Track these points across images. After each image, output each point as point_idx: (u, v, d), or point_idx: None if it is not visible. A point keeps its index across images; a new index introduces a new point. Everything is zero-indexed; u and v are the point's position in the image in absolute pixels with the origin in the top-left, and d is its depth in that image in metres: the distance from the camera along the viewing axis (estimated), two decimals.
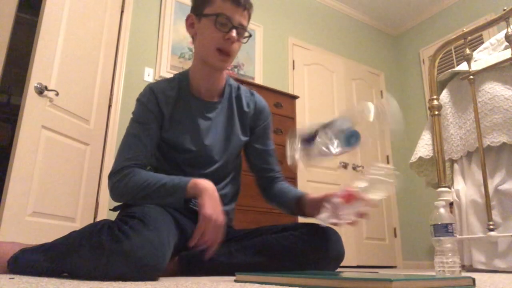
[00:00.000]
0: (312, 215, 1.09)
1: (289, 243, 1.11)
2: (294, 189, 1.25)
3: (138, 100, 1.19)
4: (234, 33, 1.10)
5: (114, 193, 1.10)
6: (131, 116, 1.19)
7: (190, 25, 1.19)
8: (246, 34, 1.16)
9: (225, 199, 1.21)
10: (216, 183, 1.12)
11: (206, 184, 1.04)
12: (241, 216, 2.39)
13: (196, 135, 1.19)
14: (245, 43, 1.19)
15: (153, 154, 1.17)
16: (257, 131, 1.28)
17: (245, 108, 1.27)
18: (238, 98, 1.27)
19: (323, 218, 0.88)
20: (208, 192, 1.02)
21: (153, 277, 0.85)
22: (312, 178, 3.51)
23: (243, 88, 1.30)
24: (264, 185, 1.31)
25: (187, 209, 1.11)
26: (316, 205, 1.04)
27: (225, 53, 1.12)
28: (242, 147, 1.29)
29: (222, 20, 1.10)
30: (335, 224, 0.92)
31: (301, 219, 1.19)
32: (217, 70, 1.19)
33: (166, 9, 3.13)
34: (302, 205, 1.15)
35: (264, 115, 1.30)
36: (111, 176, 1.11)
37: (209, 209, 1.00)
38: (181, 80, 1.22)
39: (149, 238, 0.85)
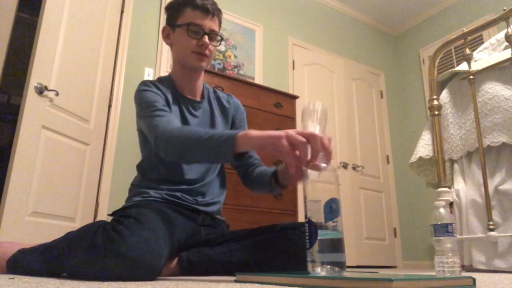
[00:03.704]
0: (288, 182, 1.08)
1: (289, 241, 1.12)
2: (269, 168, 1.23)
3: (140, 91, 1.20)
4: (206, 39, 1.20)
5: (169, 151, 1.03)
6: (138, 107, 1.17)
7: (166, 36, 1.30)
8: (218, 38, 1.27)
9: (216, 186, 1.30)
10: (203, 173, 1.24)
11: (257, 132, 0.91)
12: (240, 216, 2.39)
13: None
14: (217, 46, 1.29)
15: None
16: (237, 122, 1.40)
17: (226, 104, 1.38)
18: (218, 98, 1.39)
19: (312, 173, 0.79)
20: (262, 133, 0.89)
21: (150, 277, 0.84)
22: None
23: (219, 91, 1.42)
24: (244, 171, 1.30)
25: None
26: (287, 171, 0.98)
27: (202, 54, 1.22)
28: None
29: (194, 28, 1.20)
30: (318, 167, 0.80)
31: (300, 216, 1.20)
32: (196, 71, 1.29)
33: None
34: (277, 177, 1.13)
35: (241, 109, 1.43)
36: (157, 140, 1.05)
37: (273, 136, 0.85)
38: (167, 81, 1.30)
39: (144, 238, 0.85)
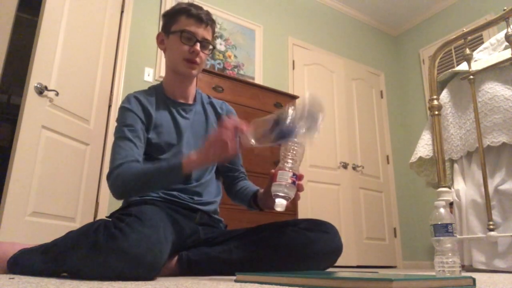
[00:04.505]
0: (264, 207, 1.19)
1: (289, 237, 1.12)
2: (252, 186, 1.31)
3: (122, 107, 1.25)
4: (198, 46, 1.24)
5: (115, 191, 1.12)
6: (116, 124, 1.23)
7: (160, 41, 1.33)
8: (210, 47, 1.30)
9: (213, 187, 1.31)
10: (199, 173, 1.25)
11: (196, 153, 1.05)
12: (240, 216, 2.39)
13: (178, 132, 1.27)
14: (209, 54, 1.33)
15: (141, 154, 1.20)
16: None
17: (219, 111, 1.41)
18: (211, 104, 1.41)
19: (278, 205, 0.96)
20: (201, 153, 1.03)
21: (151, 274, 0.85)
22: (312, 178, 3.51)
23: (213, 98, 1.45)
24: (228, 183, 1.38)
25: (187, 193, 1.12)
26: (264, 197, 1.14)
27: (192, 62, 1.25)
28: None
29: (187, 35, 1.24)
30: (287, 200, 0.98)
31: (300, 216, 1.22)
32: (187, 78, 1.31)
33: (166, 9, 3.13)
34: (256, 199, 1.22)
35: (233, 117, 1.40)
36: (108, 176, 1.13)
37: (208, 159, 1.03)
38: (156, 89, 1.33)
39: (146, 235, 0.86)
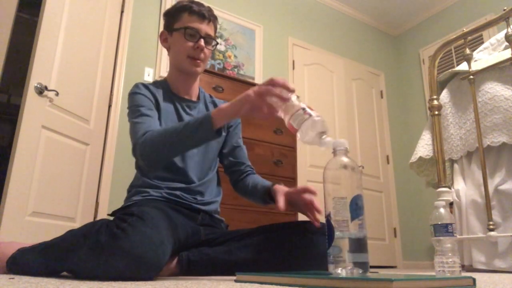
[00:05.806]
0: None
1: (289, 239, 1.12)
2: (263, 181, 1.28)
3: (132, 93, 1.25)
4: (202, 42, 1.25)
5: (145, 156, 1.08)
6: (128, 110, 1.23)
7: (164, 40, 1.34)
8: (214, 42, 1.31)
9: (214, 185, 1.31)
10: (201, 172, 1.25)
11: (228, 104, 1.00)
12: (240, 216, 2.40)
13: None
14: (213, 50, 1.33)
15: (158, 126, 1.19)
16: (231, 130, 1.41)
17: None
18: (214, 103, 1.41)
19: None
20: (232, 101, 0.99)
21: (152, 274, 0.85)
22: (312, 178, 3.51)
23: (215, 97, 1.45)
24: (236, 178, 1.36)
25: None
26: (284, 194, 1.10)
27: (196, 59, 1.26)
28: (222, 141, 1.37)
29: (190, 32, 1.25)
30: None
31: (301, 217, 1.21)
32: (191, 75, 1.32)
33: (166, 8, 3.13)
34: (271, 193, 1.18)
35: None
36: (134, 149, 1.11)
37: (241, 97, 0.96)
38: (162, 83, 1.33)
39: (148, 235, 0.85)
